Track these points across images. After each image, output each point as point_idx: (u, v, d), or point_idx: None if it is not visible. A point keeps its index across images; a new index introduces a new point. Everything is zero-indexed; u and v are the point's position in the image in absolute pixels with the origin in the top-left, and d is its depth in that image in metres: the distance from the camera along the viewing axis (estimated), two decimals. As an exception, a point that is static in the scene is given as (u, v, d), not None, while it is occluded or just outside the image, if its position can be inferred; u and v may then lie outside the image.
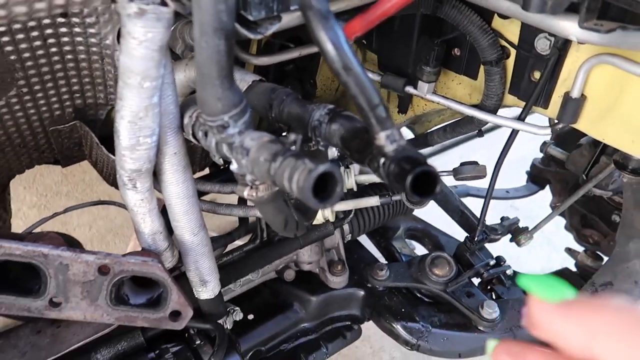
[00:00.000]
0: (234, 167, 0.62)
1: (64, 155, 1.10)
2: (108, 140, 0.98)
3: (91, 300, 0.70)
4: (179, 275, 0.89)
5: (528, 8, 0.65)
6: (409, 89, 1.04)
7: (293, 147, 0.55)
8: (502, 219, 1.37)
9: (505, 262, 1.24)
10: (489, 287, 1.29)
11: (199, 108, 0.58)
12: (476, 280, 1.26)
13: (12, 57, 0.78)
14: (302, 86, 1.12)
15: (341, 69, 0.51)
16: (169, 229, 0.82)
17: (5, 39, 0.71)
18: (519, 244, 1.34)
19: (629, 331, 0.38)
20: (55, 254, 0.68)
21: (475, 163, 1.00)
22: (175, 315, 0.75)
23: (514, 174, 1.61)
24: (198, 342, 0.91)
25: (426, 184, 0.51)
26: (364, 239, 1.39)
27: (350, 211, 1.12)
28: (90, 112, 1.00)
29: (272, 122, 0.74)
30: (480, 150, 1.54)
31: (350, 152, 0.64)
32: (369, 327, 1.72)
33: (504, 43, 0.93)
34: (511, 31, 0.91)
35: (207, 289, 0.86)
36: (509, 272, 1.24)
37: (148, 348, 0.87)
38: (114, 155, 0.95)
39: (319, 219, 0.99)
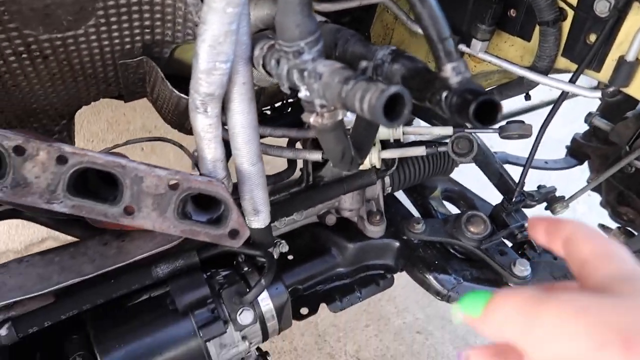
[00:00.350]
0: (302, 94, 0.67)
1: (128, 90, 1.17)
2: (169, 79, 1.05)
3: (160, 212, 0.77)
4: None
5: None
6: (462, 47, 1.07)
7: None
8: (539, 186, 1.39)
9: (539, 226, 1.27)
10: (520, 252, 1.32)
11: (278, 35, 0.62)
12: (509, 245, 1.30)
13: (96, -14, 0.84)
14: (357, 39, 1.15)
15: (417, 0, 0.55)
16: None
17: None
18: (553, 212, 1.36)
19: (563, 325, 0.36)
20: (132, 166, 0.75)
21: (521, 122, 1.02)
22: (234, 234, 0.82)
23: (550, 156, 1.62)
24: (246, 269, 0.97)
25: (487, 114, 0.55)
26: (401, 198, 1.43)
27: (393, 163, 1.17)
28: (156, 49, 1.05)
29: (336, 60, 0.78)
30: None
31: (411, 91, 0.67)
32: (395, 288, 1.78)
33: (562, 4, 0.94)
34: (571, -8, 0.92)
35: (259, 218, 0.92)
36: (542, 236, 1.26)
37: (202, 269, 0.95)
38: (177, 90, 1.01)
39: (366, 164, 1.04)
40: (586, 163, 1.60)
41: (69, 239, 1.05)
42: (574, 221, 0.45)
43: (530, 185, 1.38)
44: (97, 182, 0.81)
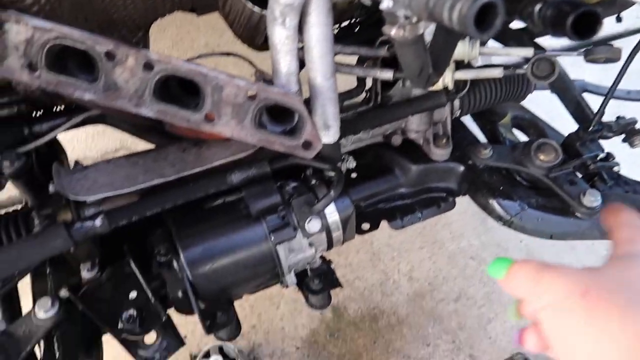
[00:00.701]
0: (385, 5, 0.65)
1: (201, 4, 1.17)
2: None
3: (239, 120, 0.80)
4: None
5: None
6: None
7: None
8: (618, 117, 1.32)
9: (614, 158, 1.22)
10: (590, 183, 1.28)
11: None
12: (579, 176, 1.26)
13: None
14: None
15: None
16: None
17: None
18: (632, 145, 1.30)
19: (550, 284, 0.55)
20: (213, 75, 0.77)
21: (610, 45, 0.95)
22: (307, 145, 0.84)
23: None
24: (314, 182, 1.01)
25: (585, 27, 0.52)
26: (468, 123, 1.40)
27: (464, 85, 1.13)
28: (231, -41, 1.04)
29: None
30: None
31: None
32: (452, 214, 1.79)
33: None
34: None
35: (329, 133, 0.93)
36: (616, 169, 1.22)
37: (273, 179, 0.99)
38: (250, 4, 1.01)
39: (438, 84, 1.02)
40: (675, 95, 1.49)
41: (142, 149, 1.12)
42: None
43: (608, 117, 1.31)
44: (178, 91, 0.85)
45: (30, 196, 1.10)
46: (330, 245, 1.01)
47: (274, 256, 0.93)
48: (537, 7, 0.55)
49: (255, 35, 1.16)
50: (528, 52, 0.99)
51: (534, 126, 1.39)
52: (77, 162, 1.00)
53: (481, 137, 1.37)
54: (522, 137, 1.48)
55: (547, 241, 1.22)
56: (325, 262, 1.05)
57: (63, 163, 1.32)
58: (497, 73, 0.99)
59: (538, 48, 1.01)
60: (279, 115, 0.89)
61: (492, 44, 1.32)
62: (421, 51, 0.71)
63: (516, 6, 0.59)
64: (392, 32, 0.66)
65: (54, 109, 1.18)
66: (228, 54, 1.32)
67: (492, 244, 1.98)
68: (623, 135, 1.32)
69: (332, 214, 0.98)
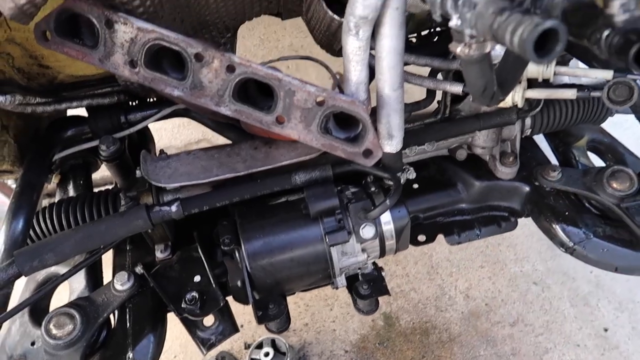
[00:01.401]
0: (453, 22, 0.68)
1: (287, 8, 1.25)
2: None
3: (306, 124, 0.86)
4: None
5: None
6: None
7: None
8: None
9: (699, 193, 1.15)
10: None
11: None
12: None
13: None
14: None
15: None
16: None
17: None
18: None
19: None
20: (287, 80, 0.84)
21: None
22: (368, 153, 0.88)
23: None
24: (373, 189, 1.04)
25: (652, 57, 0.52)
26: (541, 143, 1.37)
27: (538, 104, 1.12)
28: (314, -29, 1.10)
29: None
30: None
31: (570, 26, 0.65)
32: (518, 236, 1.75)
33: None
34: None
35: (392, 143, 0.97)
36: (699, 205, 1.14)
37: (334, 183, 1.04)
38: (331, 11, 1.06)
39: (507, 102, 1.02)
40: None
41: (221, 141, 1.21)
42: None
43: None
44: (255, 93, 0.92)
45: (119, 178, 1.23)
46: (382, 252, 1.04)
47: (327, 257, 0.98)
48: (605, 33, 0.55)
49: (333, 42, 1.22)
50: (607, 74, 0.97)
51: (613, 151, 1.34)
52: (162, 151, 1.10)
53: (553, 159, 1.34)
54: (598, 162, 1.43)
55: (619, 275, 1.17)
56: (377, 269, 1.08)
57: (150, 151, 1.45)
58: (571, 94, 0.98)
59: (619, 70, 0.98)
60: (345, 122, 0.93)
61: (575, 62, 1.29)
62: (486, 70, 0.72)
63: (585, 31, 0.59)
64: (458, 49, 0.69)
65: (147, 101, 1.30)
66: (307, 57, 1.39)
67: (558, 272, 1.90)
68: None
69: (387, 222, 1.01)
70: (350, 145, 0.88)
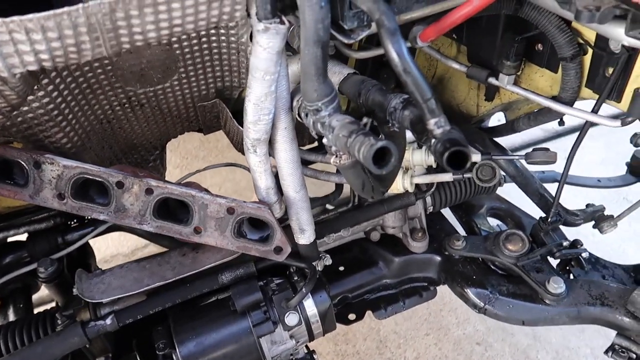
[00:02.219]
0: (325, 140, 0.83)
1: (206, 125, 1.41)
2: (237, 114, 1.26)
3: (221, 231, 0.98)
4: (286, 226, 1.14)
5: (579, 19, 0.76)
6: (492, 80, 1.17)
7: (365, 128, 0.74)
8: (588, 205, 1.42)
9: (581, 245, 1.32)
10: (567, 268, 1.37)
11: (302, 96, 0.80)
12: (555, 262, 1.35)
13: (177, 52, 1.07)
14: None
15: (402, 71, 0.69)
16: (279, 188, 1.06)
17: (174, 39, 0.99)
18: (601, 231, 1.39)
19: None
20: (199, 196, 0.96)
21: (546, 149, 1.10)
22: (278, 250, 1.00)
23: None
24: (296, 278, 1.15)
25: (461, 161, 0.68)
26: (449, 214, 1.53)
27: (431, 186, 1.29)
28: (227, 92, 1.28)
29: (360, 106, 0.94)
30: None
31: (417, 134, 0.81)
32: (457, 299, 1.86)
33: (581, 41, 1.02)
34: (589, 31, 0.99)
35: (304, 236, 1.09)
36: (584, 255, 1.30)
37: (258, 277, 1.14)
38: (242, 126, 1.22)
39: (399, 188, 1.17)
40: (647, 181, 1.59)
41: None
42: None
43: (581, 204, 1.42)
44: (175, 205, 1.04)
45: (59, 297, 1.29)
46: (311, 336, 1.13)
47: (257, 348, 1.06)
48: (432, 141, 0.71)
49: (250, 151, 1.37)
50: (477, 157, 1.15)
51: (510, 215, 1.51)
52: (97, 268, 1.18)
53: (460, 228, 1.50)
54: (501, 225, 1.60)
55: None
56: (309, 352, 1.16)
57: (91, 265, 1.51)
58: (449, 177, 1.14)
59: (485, 153, 1.15)
60: (259, 223, 1.06)
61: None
62: (359, 172, 0.88)
63: (422, 137, 0.75)
64: (332, 160, 0.84)
65: (84, 219, 1.39)
66: (231, 164, 1.53)
67: (497, 329, 2.01)
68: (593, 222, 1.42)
69: (310, 308, 1.11)
70: (262, 245, 1.00)
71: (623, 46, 0.92)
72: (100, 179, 0.95)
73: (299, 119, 0.93)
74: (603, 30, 0.83)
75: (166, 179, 1.57)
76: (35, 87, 0.88)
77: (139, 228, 0.97)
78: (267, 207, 0.98)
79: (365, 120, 0.75)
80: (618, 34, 0.80)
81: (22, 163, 0.94)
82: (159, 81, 1.15)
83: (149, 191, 0.96)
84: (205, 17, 0.79)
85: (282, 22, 0.74)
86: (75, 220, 1.39)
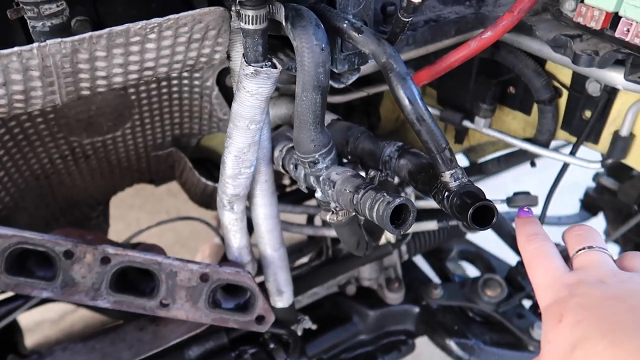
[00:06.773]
0: (318, 195, 0.74)
1: (159, 176, 1.27)
2: (197, 162, 1.14)
3: (193, 302, 0.84)
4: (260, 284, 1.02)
5: (578, 63, 0.74)
6: (466, 123, 1.14)
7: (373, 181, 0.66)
8: (556, 245, 1.42)
9: (556, 286, 1.30)
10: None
11: (295, 148, 0.70)
12: (529, 303, 1.32)
13: (132, 97, 0.94)
14: (368, 118, 1.24)
15: (415, 120, 0.62)
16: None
17: (130, 84, 0.87)
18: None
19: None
20: (167, 263, 0.82)
21: (527, 193, 1.08)
22: (260, 319, 0.88)
23: (568, 199, 1.65)
24: (272, 346, 1.02)
25: (485, 216, 0.61)
26: (418, 260, 1.48)
27: (407, 234, 1.22)
28: (184, 139, 1.16)
29: (347, 155, 0.86)
30: (534, 173, 1.60)
31: (417, 184, 0.74)
32: (435, 349, 1.79)
33: (557, 84, 1.02)
34: (564, 73, 1.00)
35: (282, 298, 0.98)
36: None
37: (230, 348, 1.00)
38: (203, 177, 1.10)
39: (382, 240, 1.10)
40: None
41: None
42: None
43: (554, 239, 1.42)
44: (135, 275, 0.89)
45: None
46: (293, 410, 1.00)
47: None
48: (446, 194, 0.64)
49: (210, 202, 1.24)
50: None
51: (480, 258, 1.48)
52: (33, 352, 0.98)
53: (432, 275, 1.44)
54: (471, 269, 1.57)
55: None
56: None
57: (18, 344, 1.28)
58: (433, 226, 1.09)
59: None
60: (233, 288, 0.93)
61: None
62: (356, 228, 0.79)
63: (430, 188, 0.68)
64: (327, 217, 0.75)
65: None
66: (188, 218, 1.39)
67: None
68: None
69: (292, 379, 0.98)
70: (242, 315, 0.87)
71: (604, 90, 0.93)
72: (44, 249, 0.79)
73: (282, 170, 0.83)
74: (596, 74, 0.82)
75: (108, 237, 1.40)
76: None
77: (93, 304, 0.81)
78: (247, 272, 0.86)
79: (372, 173, 0.67)
80: (613, 78, 0.79)
81: (-59, 234, 0.76)
82: (108, 130, 1.01)
83: (105, 260, 0.81)
84: (182, 59, 0.69)
85: (274, 66, 0.66)
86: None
